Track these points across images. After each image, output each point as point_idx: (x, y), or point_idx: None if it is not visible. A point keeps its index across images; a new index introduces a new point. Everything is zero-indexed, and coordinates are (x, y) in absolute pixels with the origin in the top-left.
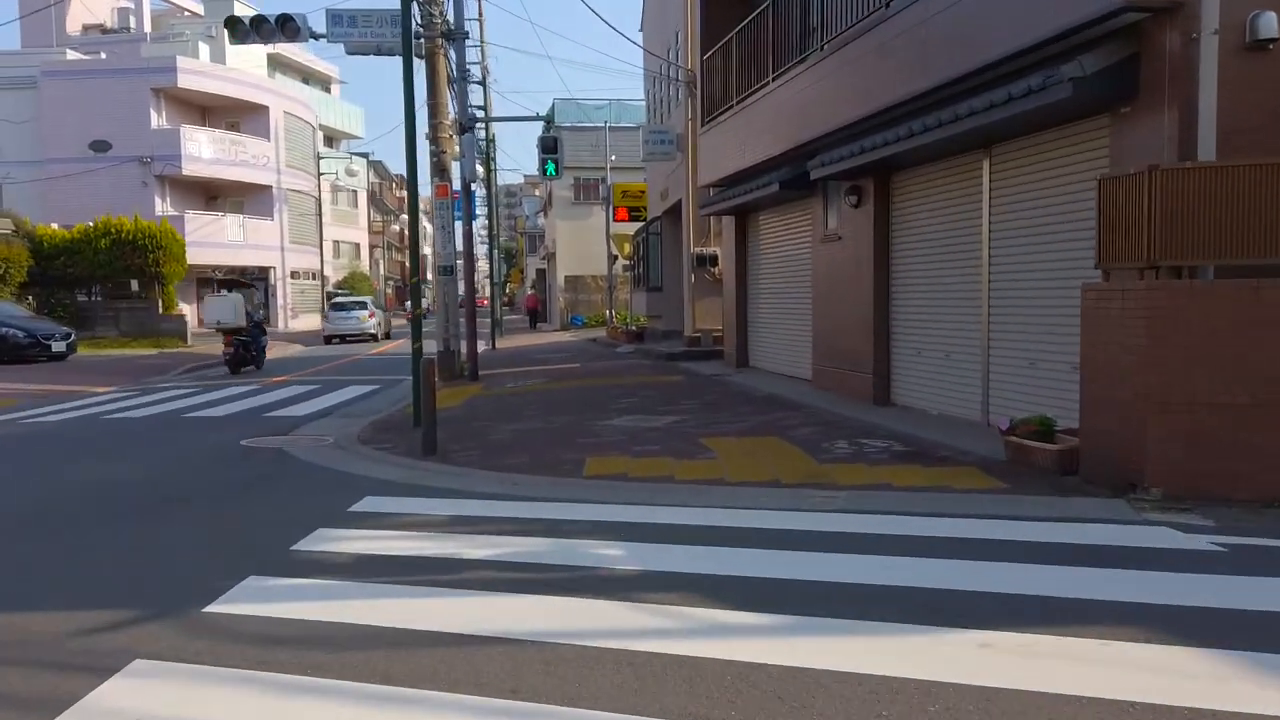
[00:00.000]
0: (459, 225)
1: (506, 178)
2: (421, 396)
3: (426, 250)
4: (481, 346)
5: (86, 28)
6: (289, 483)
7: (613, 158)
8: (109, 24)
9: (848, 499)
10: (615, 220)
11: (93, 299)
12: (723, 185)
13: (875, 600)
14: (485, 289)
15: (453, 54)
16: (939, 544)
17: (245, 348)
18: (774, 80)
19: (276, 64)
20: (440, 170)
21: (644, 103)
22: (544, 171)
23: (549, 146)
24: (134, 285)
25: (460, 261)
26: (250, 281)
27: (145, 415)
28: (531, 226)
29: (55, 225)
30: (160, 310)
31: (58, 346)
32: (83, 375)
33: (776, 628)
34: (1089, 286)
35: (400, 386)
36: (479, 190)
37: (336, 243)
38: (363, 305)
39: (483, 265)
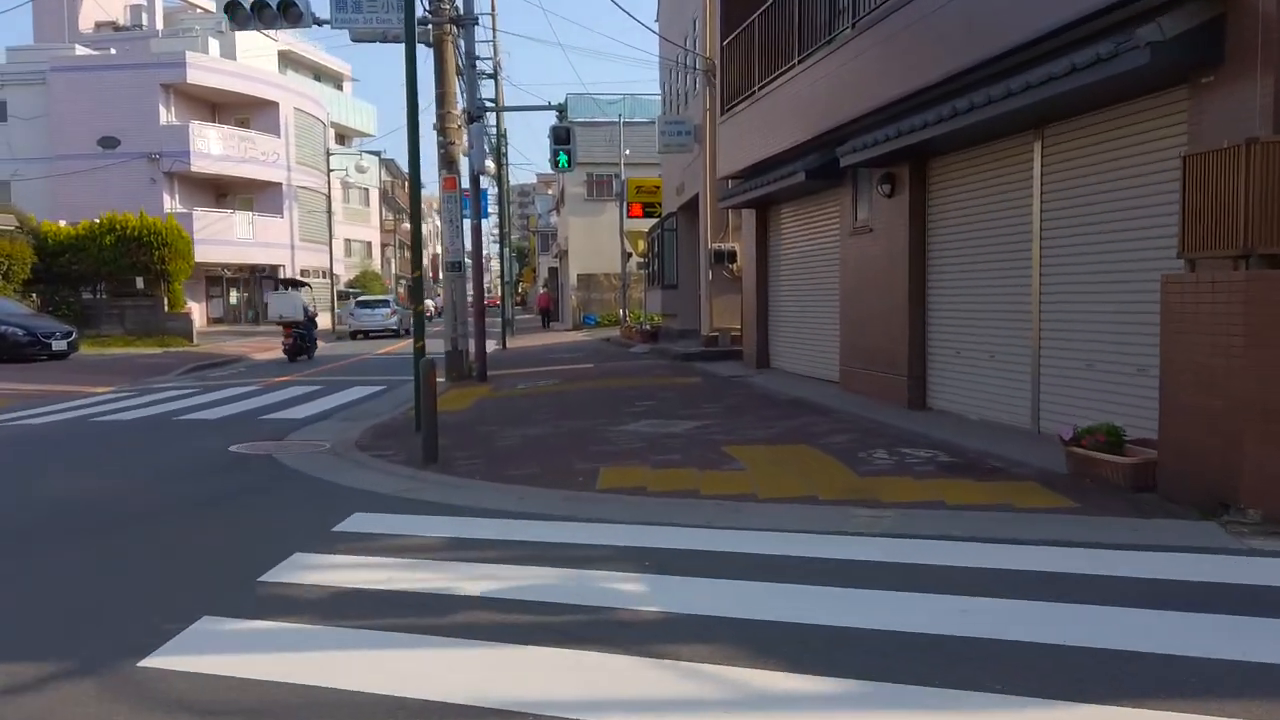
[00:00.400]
0: (467, 220)
1: (520, 176)
2: (422, 401)
3: (437, 250)
4: (492, 346)
5: (99, 25)
6: (272, 496)
7: (627, 152)
8: (122, 21)
9: (896, 519)
10: (629, 216)
11: (98, 297)
12: (743, 177)
13: (961, 658)
14: (497, 288)
15: (461, 41)
16: (1017, 579)
17: (301, 339)
18: (799, 64)
19: (288, 61)
20: (448, 163)
21: (659, 96)
22: (556, 164)
23: (561, 138)
24: (139, 283)
25: (469, 258)
26: (305, 281)
27: (136, 418)
28: (544, 225)
29: (62, 222)
30: (166, 308)
31: (58, 345)
32: (83, 375)
33: (843, 698)
34: (1171, 278)
35: (405, 388)
36: (490, 187)
37: (348, 241)
38: (385, 304)
39: (495, 264)
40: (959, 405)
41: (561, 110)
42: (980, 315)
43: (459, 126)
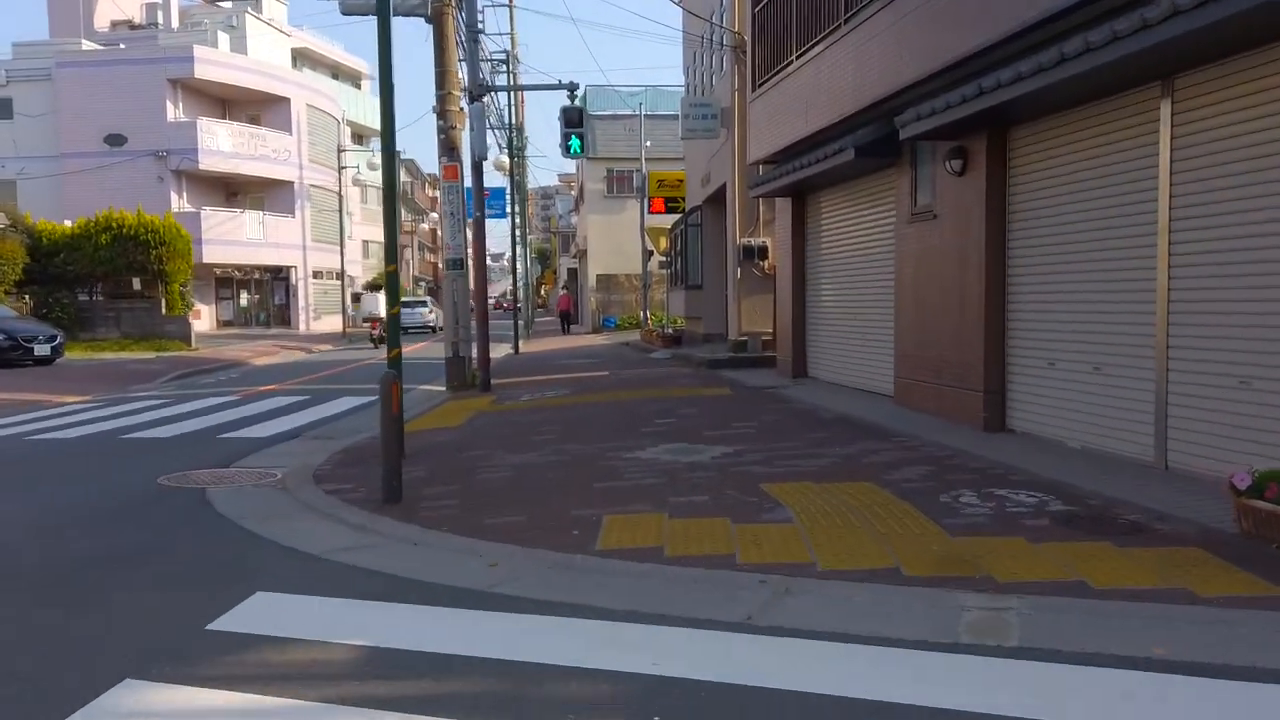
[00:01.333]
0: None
1: (544, 179)
2: (384, 429)
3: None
4: (503, 351)
5: (115, 24)
6: (166, 559)
7: (648, 143)
8: (138, 20)
9: (1028, 617)
10: (650, 212)
11: (94, 298)
12: (776, 161)
13: None
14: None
15: (463, 13)
16: None
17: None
18: (846, 24)
19: (305, 59)
20: (449, 149)
21: (682, 86)
22: (567, 149)
23: (573, 120)
24: (136, 284)
25: (471, 254)
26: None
27: (79, 436)
28: (565, 225)
29: (67, 222)
30: (164, 310)
31: (41, 350)
32: (61, 382)
33: None
34: None
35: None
36: (499, 178)
37: (365, 242)
38: (424, 303)
39: (516, 265)
40: (1051, 428)
41: (573, 90)
42: (1082, 317)
43: (460, 109)
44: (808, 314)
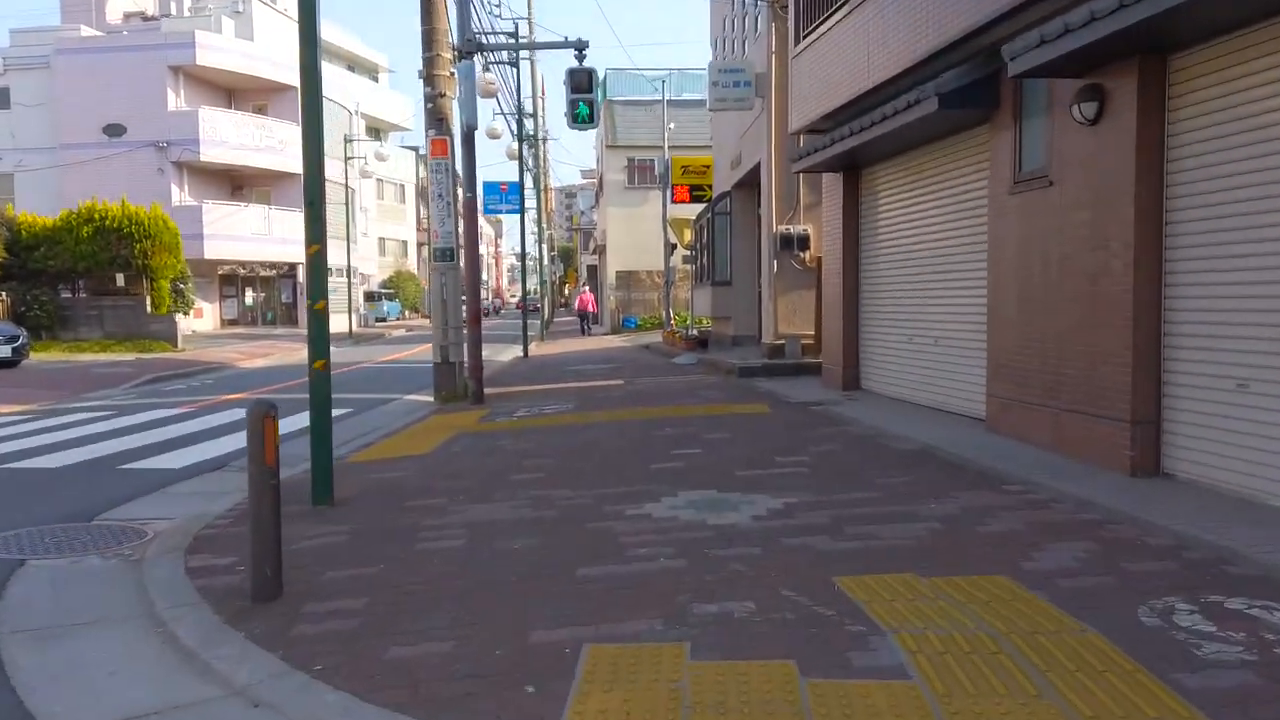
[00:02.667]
0: (462, 196)
1: (569, 178)
2: (253, 493)
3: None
4: (512, 354)
5: (128, 16)
6: None
7: (671, 125)
8: (150, 11)
9: None
10: (674, 201)
11: (76, 295)
12: (823, 129)
13: None
14: (534, 287)
15: None
16: None
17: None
18: None
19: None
20: (437, 120)
21: (709, 57)
22: (574, 117)
23: (581, 84)
24: (120, 280)
25: (462, 242)
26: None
27: None
28: (586, 222)
29: (52, 214)
30: (149, 309)
31: (1, 352)
32: (12, 389)
33: None
34: None
35: (373, 414)
36: (513, 171)
37: (382, 240)
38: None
39: (529, 263)
40: (1239, 477)
41: (582, 49)
42: None
43: (450, 75)
44: (862, 313)
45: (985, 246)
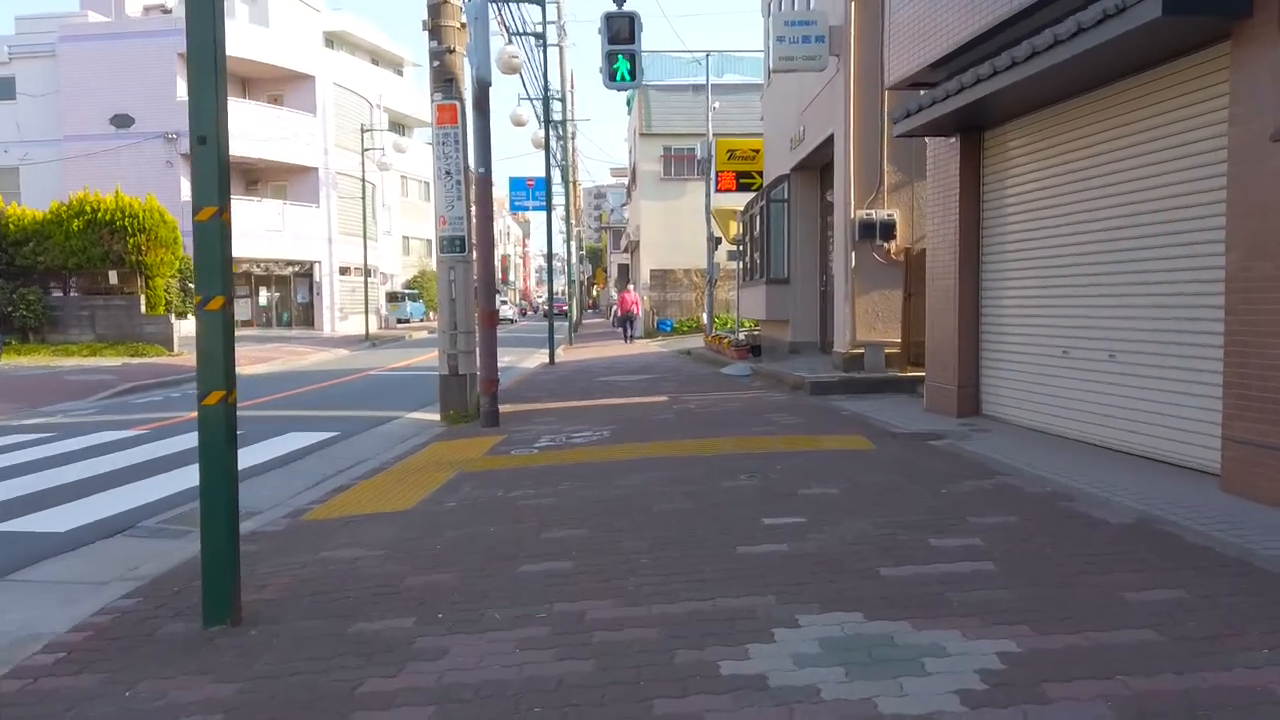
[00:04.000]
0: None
1: (595, 174)
2: None
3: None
4: (539, 360)
5: (147, 9)
6: None
7: (716, 104)
8: (170, 4)
9: None
10: (718, 190)
11: (68, 294)
12: (932, 80)
13: None
14: (562, 288)
15: None
16: None
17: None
18: None
19: (342, 42)
20: (445, 81)
21: (769, 20)
22: (613, 74)
23: (620, 33)
24: (113, 277)
25: (474, 229)
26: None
27: None
28: (616, 220)
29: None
30: (144, 309)
31: None
32: None
33: None
34: None
35: (363, 439)
36: (536, 166)
37: (406, 238)
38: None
39: (552, 262)
40: None
41: None
42: None
43: (460, 26)
44: (984, 316)
45: (1214, 220)
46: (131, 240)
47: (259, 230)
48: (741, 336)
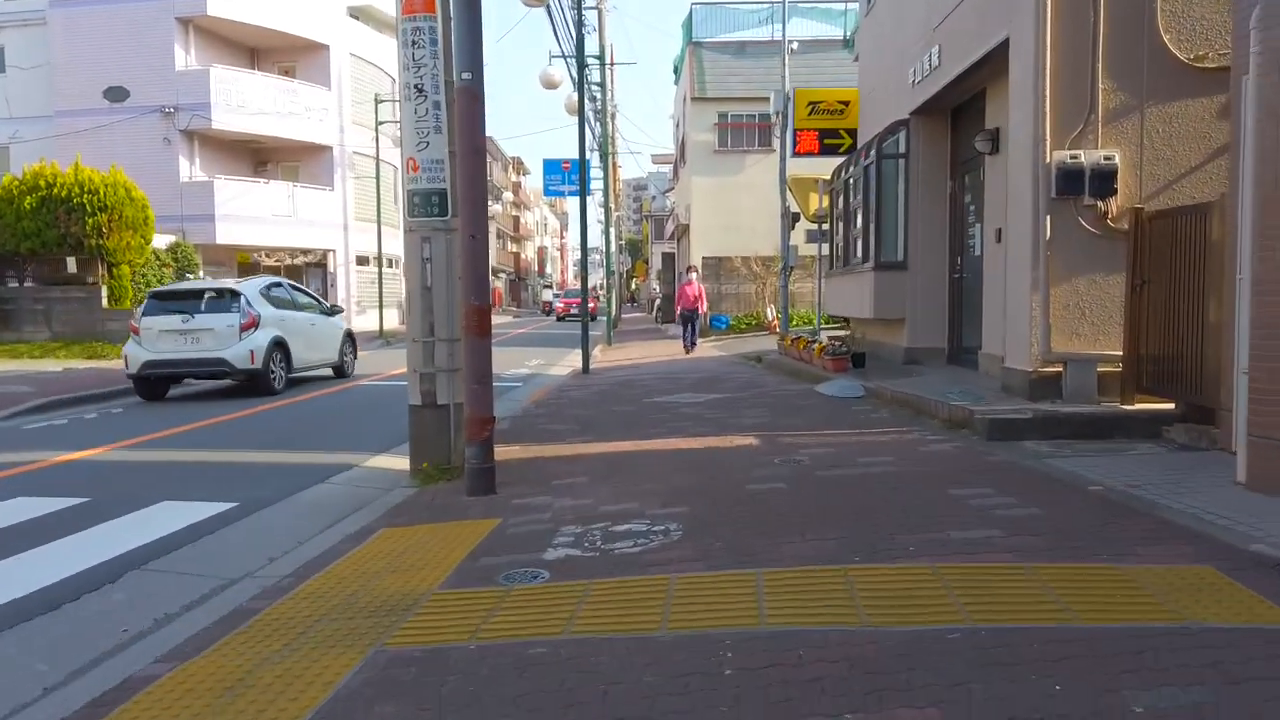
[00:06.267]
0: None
1: (634, 169)
2: None
3: (543, 241)
4: (571, 365)
5: None
6: None
7: (793, 44)
8: None
9: None
10: (795, 153)
11: (23, 285)
12: None
13: None
14: (600, 281)
15: None
16: None
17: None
18: None
19: (369, 18)
20: None
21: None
22: None
23: None
24: (71, 265)
25: (458, 177)
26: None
27: None
28: (658, 208)
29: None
30: (105, 302)
31: None
32: None
33: None
34: None
35: (273, 517)
36: (569, 148)
37: None
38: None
39: (586, 251)
40: None
41: None
42: None
43: None
44: None
45: None
46: (90, 220)
47: (266, 215)
48: (837, 342)
